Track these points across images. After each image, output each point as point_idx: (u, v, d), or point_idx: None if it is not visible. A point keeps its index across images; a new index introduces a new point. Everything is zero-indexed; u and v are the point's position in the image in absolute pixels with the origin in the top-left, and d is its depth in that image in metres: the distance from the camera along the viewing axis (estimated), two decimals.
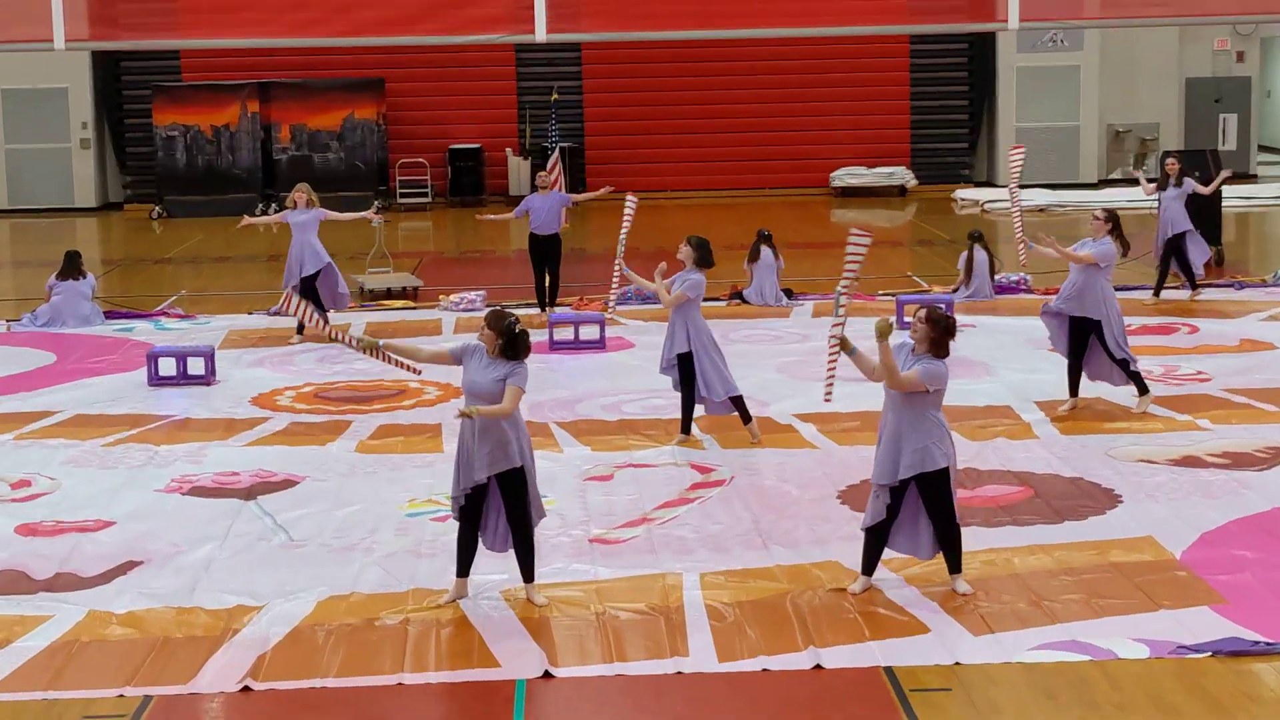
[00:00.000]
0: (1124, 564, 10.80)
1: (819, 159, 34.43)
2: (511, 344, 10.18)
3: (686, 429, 14.22)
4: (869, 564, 10.47)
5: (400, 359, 10.66)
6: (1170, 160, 21.36)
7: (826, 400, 12.05)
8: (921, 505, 10.32)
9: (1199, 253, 20.87)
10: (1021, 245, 16.26)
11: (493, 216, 22.22)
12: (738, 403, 14.10)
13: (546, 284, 20.40)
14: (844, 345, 10.36)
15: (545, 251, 20.38)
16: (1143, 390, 14.83)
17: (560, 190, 21.19)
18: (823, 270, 23.97)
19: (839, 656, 9.42)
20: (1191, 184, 21.00)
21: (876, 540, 10.43)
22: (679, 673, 9.30)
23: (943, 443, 10.23)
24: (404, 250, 27.00)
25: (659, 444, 14.19)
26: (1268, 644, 9.36)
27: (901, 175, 34.24)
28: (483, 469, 10.15)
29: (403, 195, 33.80)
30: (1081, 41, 34.43)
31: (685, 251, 14.15)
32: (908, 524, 10.42)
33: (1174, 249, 20.74)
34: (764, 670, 9.29)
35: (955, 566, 10.42)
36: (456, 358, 10.35)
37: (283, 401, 16.17)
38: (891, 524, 10.39)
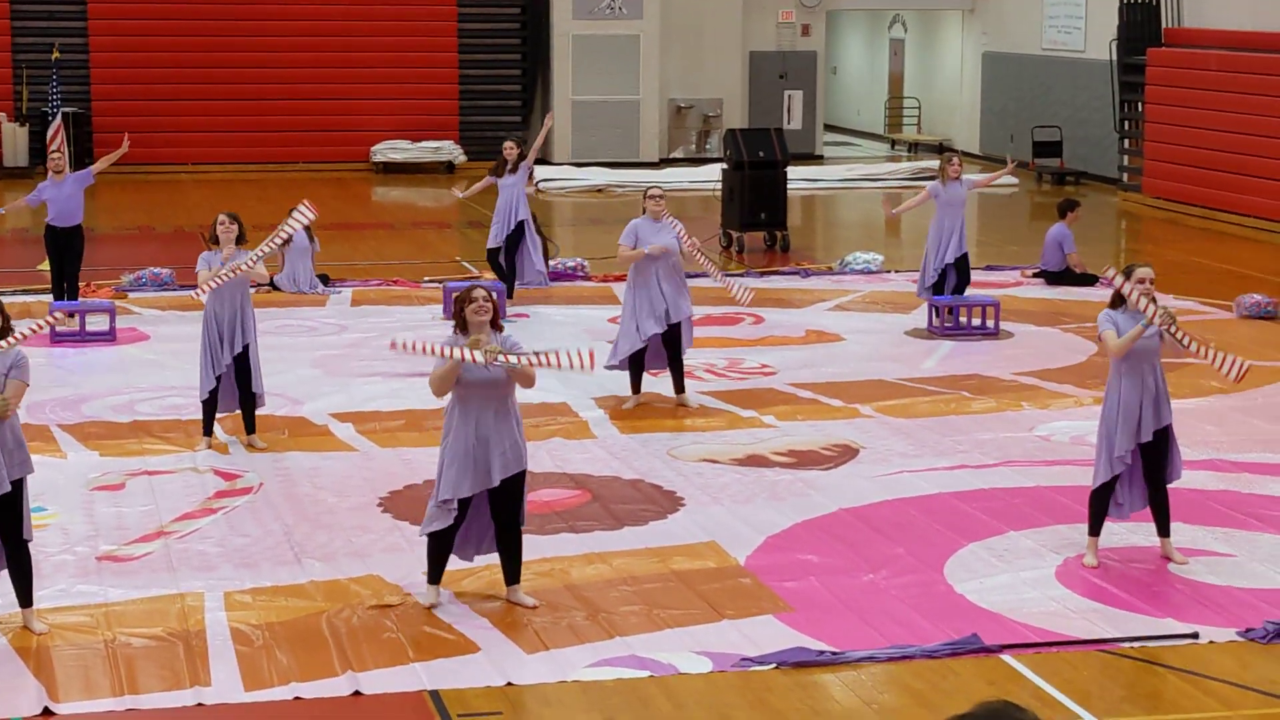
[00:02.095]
0: (686, 572, 11.06)
1: (358, 131, 34.25)
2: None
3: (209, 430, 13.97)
4: (437, 573, 10.50)
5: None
6: (954, 158, 19.69)
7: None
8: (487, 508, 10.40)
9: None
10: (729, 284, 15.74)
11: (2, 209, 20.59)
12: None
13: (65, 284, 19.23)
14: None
15: (65, 246, 18.83)
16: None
17: (70, 171, 19.76)
18: (363, 254, 23.87)
19: (380, 680, 9.37)
20: (971, 180, 20.04)
21: (443, 545, 10.45)
22: (200, 704, 9.11)
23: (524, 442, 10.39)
24: None
25: (178, 448, 13.88)
26: (833, 653, 9.72)
27: (449, 150, 34.36)
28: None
29: None
30: (641, 9, 35.16)
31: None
32: (477, 526, 10.48)
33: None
34: (296, 698, 9.18)
35: (515, 577, 10.51)
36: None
37: None
38: (457, 530, 10.41)
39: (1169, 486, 11.26)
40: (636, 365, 15.24)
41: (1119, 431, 11.02)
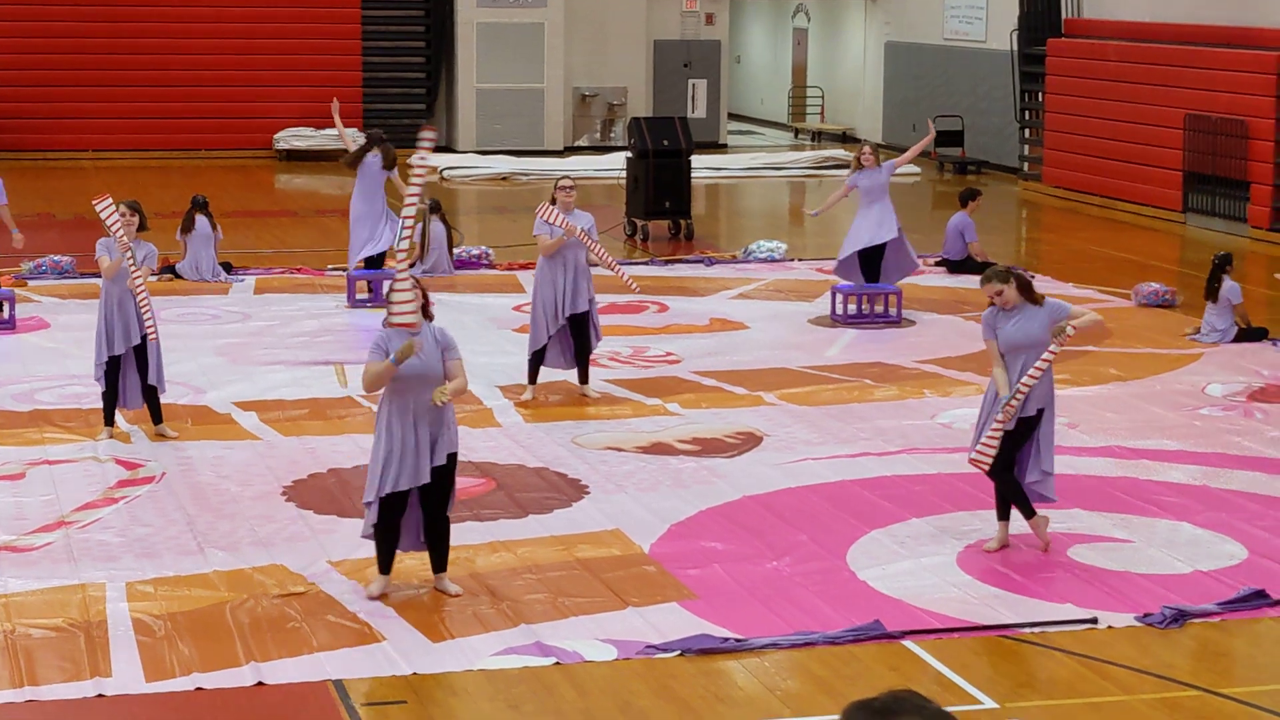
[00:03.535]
0: (591, 559, 11.07)
1: (261, 118, 34.03)
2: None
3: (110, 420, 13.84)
4: (387, 563, 10.48)
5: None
6: (865, 148, 19.44)
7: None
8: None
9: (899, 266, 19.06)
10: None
11: None
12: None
13: None
14: None
15: None
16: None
17: None
18: (266, 241, 23.72)
19: (283, 671, 9.32)
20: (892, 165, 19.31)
21: (389, 535, 10.43)
22: (100, 695, 9.02)
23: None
24: None
25: (78, 437, 13.75)
26: (737, 640, 9.75)
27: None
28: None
29: None
30: None
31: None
32: (414, 516, 10.46)
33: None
34: (198, 689, 9.12)
35: (442, 565, 10.48)
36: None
37: None
38: (400, 518, 10.40)
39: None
40: (536, 359, 15.16)
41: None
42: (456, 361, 10.33)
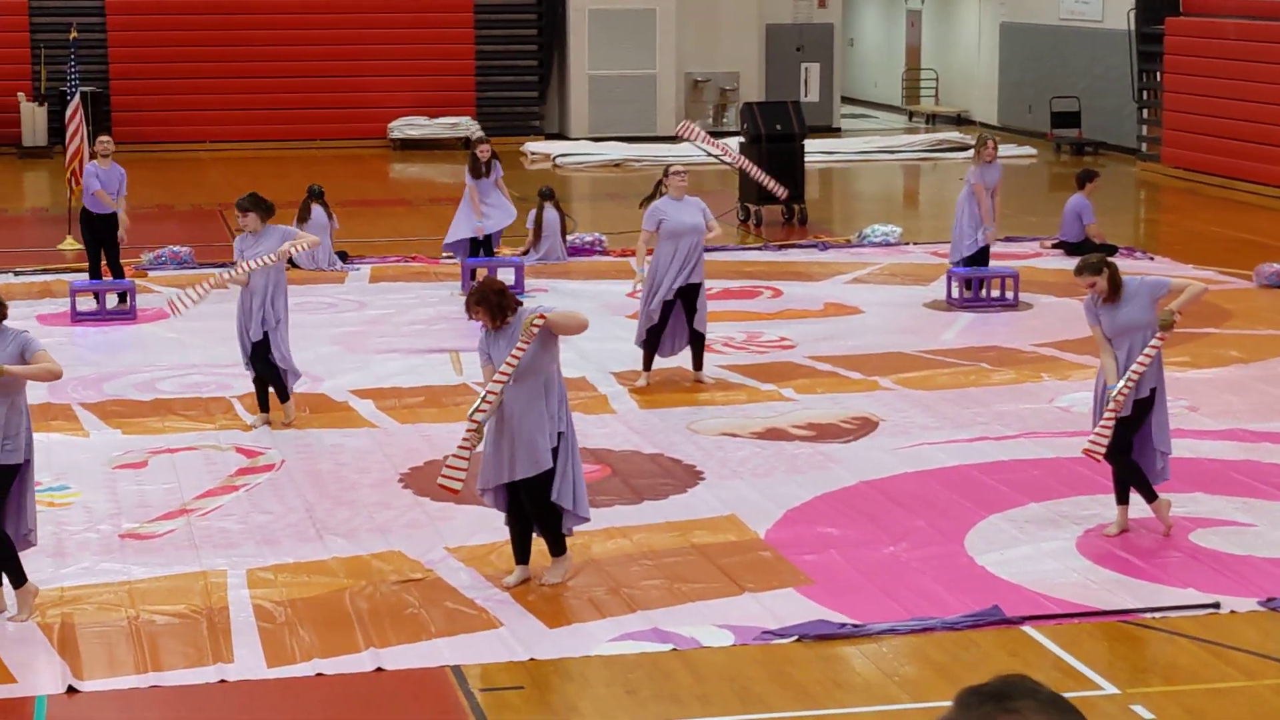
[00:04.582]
0: (707, 545, 11.07)
1: (375, 108, 34.24)
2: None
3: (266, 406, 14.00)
4: (523, 551, 10.51)
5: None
6: (989, 140, 18.99)
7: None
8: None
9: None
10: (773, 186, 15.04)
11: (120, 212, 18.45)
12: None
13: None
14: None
15: (105, 231, 18.32)
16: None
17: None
18: (381, 230, 23.88)
19: (402, 656, 9.39)
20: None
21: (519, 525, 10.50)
22: (222, 681, 9.14)
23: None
24: None
25: (199, 425, 13.91)
26: (854, 626, 9.73)
27: (466, 126, 34.32)
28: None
29: None
30: None
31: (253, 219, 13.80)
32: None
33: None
34: (318, 675, 9.20)
35: (559, 549, 10.53)
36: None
37: None
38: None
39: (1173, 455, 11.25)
40: (651, 344, 15.16)
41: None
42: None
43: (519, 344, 10.05)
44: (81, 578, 10.49)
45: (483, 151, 19.64)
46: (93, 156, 18.81)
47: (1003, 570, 10.60)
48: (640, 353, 15.27)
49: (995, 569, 10.62)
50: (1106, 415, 10.90)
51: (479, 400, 10.20)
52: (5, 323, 9.86)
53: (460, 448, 10.31)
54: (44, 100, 32.65)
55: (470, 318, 10.38)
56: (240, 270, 13.47)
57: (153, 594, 10.27)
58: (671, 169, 15.15)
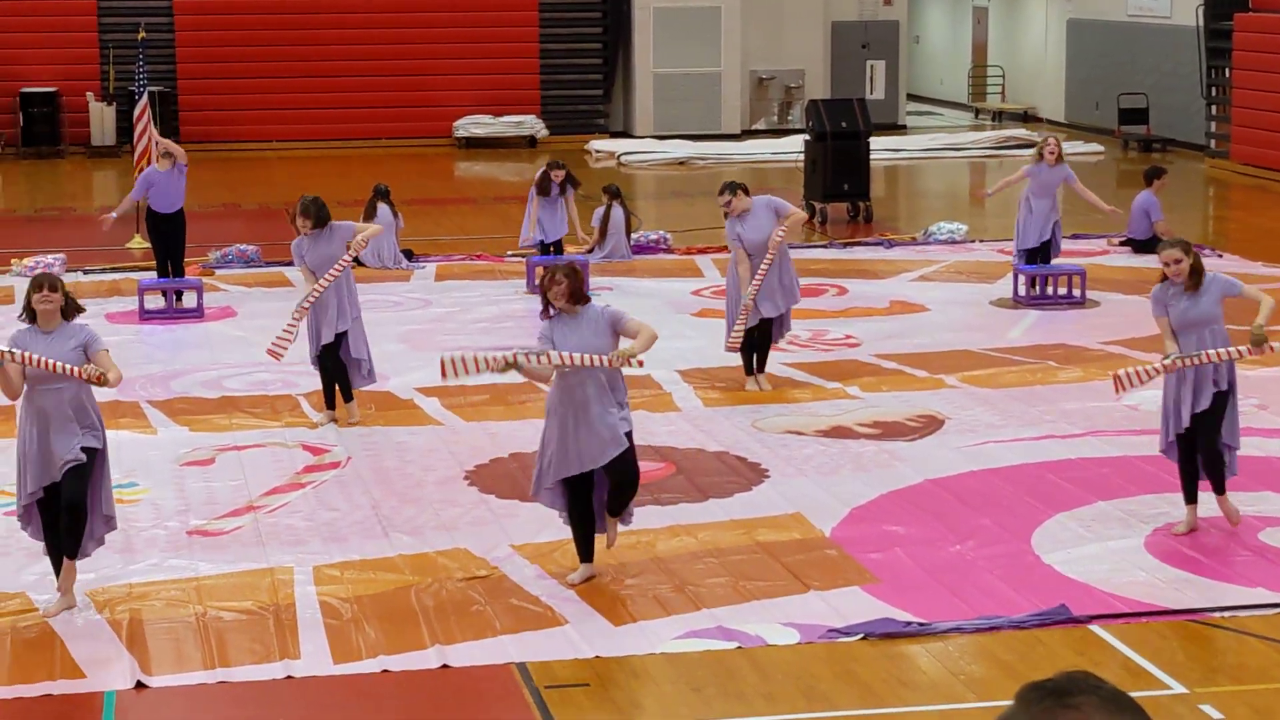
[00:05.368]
0: (772, 543, 11.07)
1: (440, 107, 34.34)
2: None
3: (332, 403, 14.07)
4: (587, 549, 10.52)
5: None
6: (1050, 140, 19.15)
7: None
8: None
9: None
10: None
11: (113, 214, 18.90)
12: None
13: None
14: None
15: (170, 231, 18.47)
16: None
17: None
18: (446, 228, 23.96)
19: (467, 653, 9.42)
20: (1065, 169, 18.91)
21: (580, 521, 10.51)
22: (289, 677, 9.19)
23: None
24: None
25: (266, 423, 13.99)
26: (920, 624, 9.70)
27: (531, 125, 34.40)
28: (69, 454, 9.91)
29: None
30: None
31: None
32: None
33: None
34: (384, 671, 9.24)
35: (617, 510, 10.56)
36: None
37: None
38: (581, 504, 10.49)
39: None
40: (748, 349, 15.03)
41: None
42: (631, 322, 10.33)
43: (603, 358, 10.08)
44: (150, 574, 10.56)
45: (556, 175, 19.60)
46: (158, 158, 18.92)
47: (1070, 569, 10.55)
48: (738, 358, 15.14)
49: (1062, 568, 10.58)
50: (1154, 368, 10.86)
51: (531, 354, 10.14)
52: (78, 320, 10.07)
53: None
54: (112, 100, 32.89)
55: (547, 290, 10.32)
56: (317, 290, 13.54)
57: (220, 590, 10.34)
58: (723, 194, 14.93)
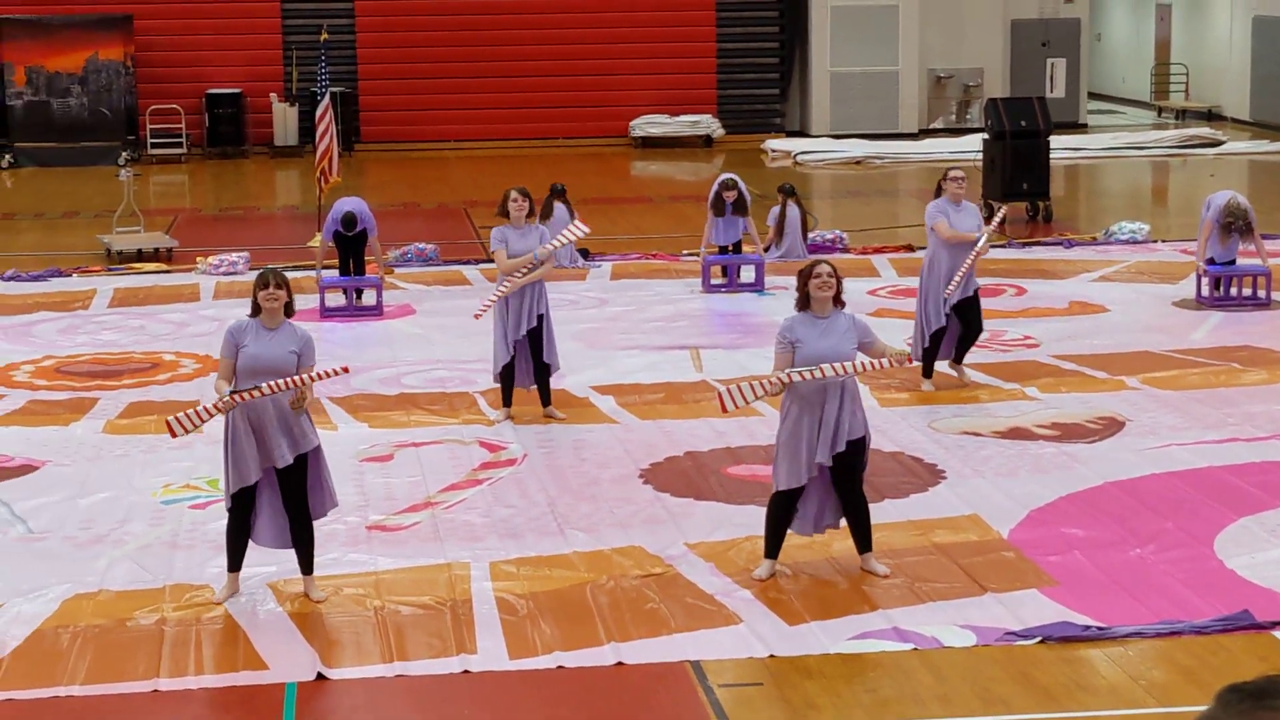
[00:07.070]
0: (948, 545, 10.99)
1: (617, 106, 34.50)
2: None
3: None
4: (777, 545, 10.55)
5: (253, 393, 10.02)
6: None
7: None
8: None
9: None
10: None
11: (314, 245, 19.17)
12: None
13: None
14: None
15: (352, 242, 18.64)
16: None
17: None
18: (622, 227, 24.05)
19: (642, 651, 9.45)
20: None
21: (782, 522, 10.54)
22: (466, 672, 9.27)
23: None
24: (156, 207, 26.53)
25: (444, 420, 14.13)
26: (1099, 629, 9.58)
27: (707, 124, 34.44)
28: (290, 452, 10.07)
29: (154, 145, 33.21)
30: None
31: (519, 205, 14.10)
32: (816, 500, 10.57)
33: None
34: (559, 668, 9.29)
35: (865, 544, 10.57)
36: (232, 352, 10.15)
37: (19, 377, 15.82)
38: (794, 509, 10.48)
39: None
40: (933, 350, 14.96)
41: None
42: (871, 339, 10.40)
43: (872, 361, 10.18)
44: (329, 568, 10.70)
45: (729, 194, 19.62)
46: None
47: (1253, 574, 10.36)
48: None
49: (1246, 573, 10.40)
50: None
51: (805, 371, 10.11)
52: (292, 320, 10.20)
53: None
54: (295, 101, 33.41)
55: (809, 282, 10.25)
56: (508, 286, 13.68)
57: (398, 585, 10.46)
58: (950, 174, 14.89)
